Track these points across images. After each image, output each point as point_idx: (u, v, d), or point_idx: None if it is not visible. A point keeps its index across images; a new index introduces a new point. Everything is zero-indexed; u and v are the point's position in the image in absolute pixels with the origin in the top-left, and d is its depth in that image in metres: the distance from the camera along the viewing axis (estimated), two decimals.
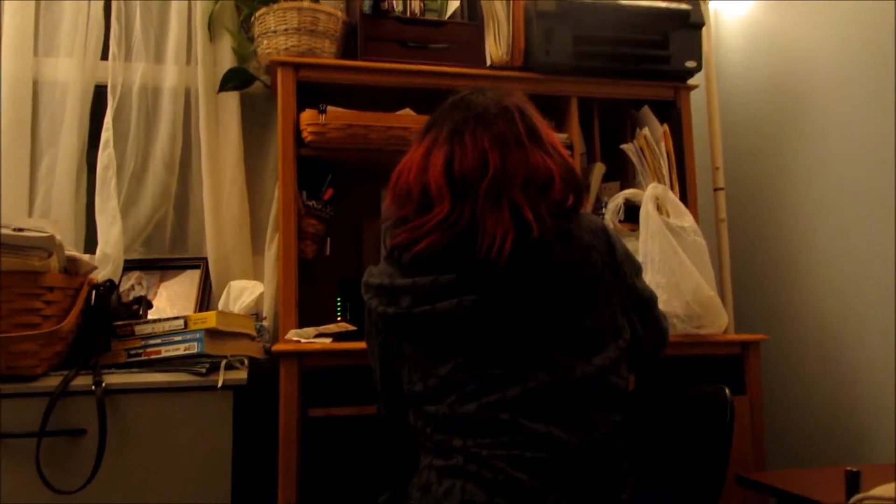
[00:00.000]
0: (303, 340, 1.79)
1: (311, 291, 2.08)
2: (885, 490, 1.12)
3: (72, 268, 1.63)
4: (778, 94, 2.35)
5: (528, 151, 1.24)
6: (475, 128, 1.26)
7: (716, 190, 2.31)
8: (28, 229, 1.50)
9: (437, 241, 1.21)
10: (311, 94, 2.00)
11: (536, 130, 1.29)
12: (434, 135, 1.30)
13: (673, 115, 2.20)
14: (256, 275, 2.19)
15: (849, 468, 1.26)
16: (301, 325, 1.90)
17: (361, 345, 1.67)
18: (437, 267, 1.22)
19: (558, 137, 1.94)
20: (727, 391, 1.29)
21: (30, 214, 2.07)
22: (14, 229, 1.48)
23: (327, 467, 1.69)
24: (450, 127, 1.28)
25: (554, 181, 1.23)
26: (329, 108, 1.93)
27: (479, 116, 1.27)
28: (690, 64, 2.16)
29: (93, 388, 1.48)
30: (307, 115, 1.93)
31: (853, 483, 1.25)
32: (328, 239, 2.12)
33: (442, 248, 1.21)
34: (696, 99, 2.28)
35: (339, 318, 2.04)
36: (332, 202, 2.09)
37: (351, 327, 1.88)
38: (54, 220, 1.99)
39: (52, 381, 1.49)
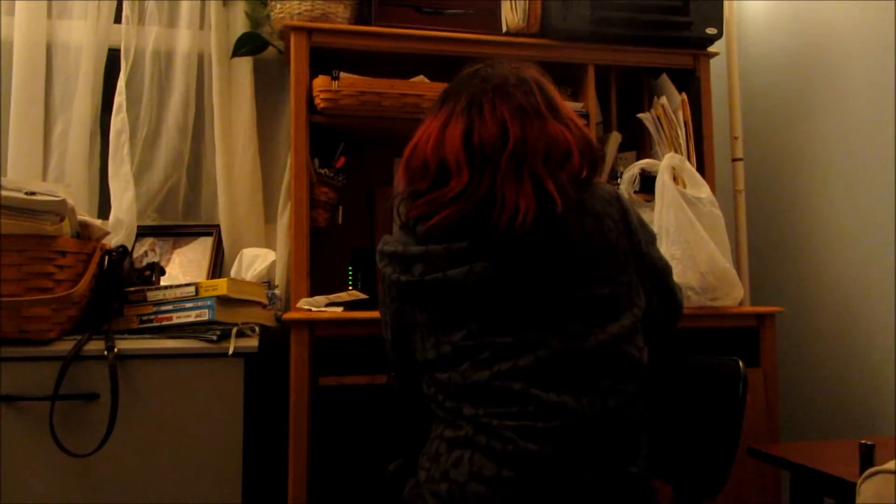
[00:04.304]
0: (314, 309, 1.79)
1: (323, 260, 2.08)
2: None
3: (84, 232, 1.63)
4: (799, 62, 2.30)
5: (547, 123, 1.23)
6: (494, 98, 1.24)
7: (734, 160, 2.27)
8: (40, 193, 1.49)
9: (455, 213, 1.20)
10: (325, 60, 1.97)
11: (555, 102, 1.28)
12: (451, 107, 1.27)
13: (692, 83, 2.16)
14: (269, 243, 2.19)
15: (863, 441, 1.26)
16: (313, 293, 1.90)
17: (373, 314, 1.68)
18: (451, 235, 1.21)
19: (574, 106, 1.93)
20: (741, 364, 1.28)
21: (44, 179, 2.07)
22: (26, 193, 1.48)
23: (338, 436, 1.69)
24: (467, 98, 1.26)
25: (572, 153, 1.23)
26: (342, 74, 1.91)
27: (498, 87, 1.25)
28: (711, 31, 2.11)
29: (105, 353, 1.49)
30: (320, 82, 1.91)
31: (867, 456, 1.24)
32: (340, 207, 2.11)
33: (458, 218, 1.20)
34: (716, 67, 2.23)
35: (350, 287, 2.04)
36: (344, 170, 2.08)
37: (362, 296, 1.88)
38: (66, 185, 1.99)
39: (65, 346, 1.50)
